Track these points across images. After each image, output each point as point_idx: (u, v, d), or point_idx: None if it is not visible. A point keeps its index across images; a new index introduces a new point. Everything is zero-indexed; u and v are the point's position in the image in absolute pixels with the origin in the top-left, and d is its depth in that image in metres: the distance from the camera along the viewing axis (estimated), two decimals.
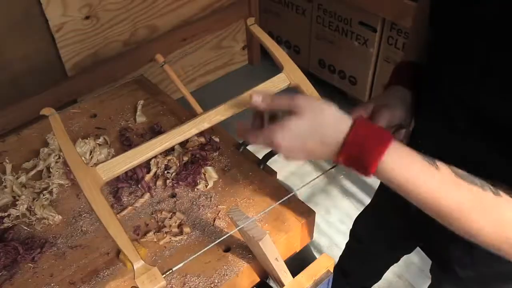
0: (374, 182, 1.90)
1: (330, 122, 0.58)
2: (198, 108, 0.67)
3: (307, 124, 0.58)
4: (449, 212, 0.55)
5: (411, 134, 0.83)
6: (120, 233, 0.60)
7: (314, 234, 0.96)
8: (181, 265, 0.61)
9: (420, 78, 0.79)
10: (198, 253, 0.66)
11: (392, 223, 1.07)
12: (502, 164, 0.59)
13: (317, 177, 0.78)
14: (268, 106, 0.63)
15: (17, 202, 0.92)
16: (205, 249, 0.66)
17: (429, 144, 0.71)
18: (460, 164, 0.57)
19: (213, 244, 0.68)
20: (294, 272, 0.83)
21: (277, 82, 0.73)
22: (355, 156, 0.57)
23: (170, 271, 0.61)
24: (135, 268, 0.59)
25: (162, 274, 0.59)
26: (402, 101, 0.78)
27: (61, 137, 0.69)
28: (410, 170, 0.56)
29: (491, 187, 0.54)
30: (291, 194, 0.75)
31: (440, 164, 0.56)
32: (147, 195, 0.95)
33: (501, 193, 0.54)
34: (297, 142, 0.59)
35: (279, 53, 0.78)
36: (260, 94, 0.63)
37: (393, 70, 0.84)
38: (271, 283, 0.93)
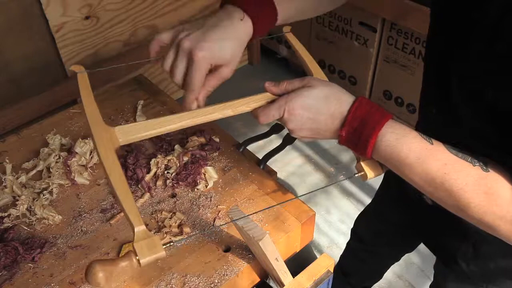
0: (374, 182, 1.90)
1: (338, 96, 0.63)
2: None
3: (320, 94, 0.63)
4: (439, 182, 0.57)
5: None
6: (127, 196, 0.58)
7: (314, 234, 0.97)
8: (185, 239, 0.59)
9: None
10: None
11: (394, 221, 1.07)
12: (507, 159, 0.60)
13: (329, 185, 0.78)
14: (282, 90, 0.67)
15: (17, 202, 0.92)
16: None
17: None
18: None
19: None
20: (294, 272, 0.83)
21: None
22: (356, 128, 0.61)
23: (171, 243, 0.59)
24: (135, 232, 0.56)
25: (163, 245, 0.56)
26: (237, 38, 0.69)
27: (86, 96, 0.67)
28: (406, 142, 0.59)
29: (481, 163, 0.57)
30: (294, 198, 0.75)
31: (434, 140, 0.59)
32: (147, 195, 0.95)
33: (490, 170, 0.56)
34: (310, 113, 0.63)
35: (312, 65, 0.78)
36: (272, 82, 0.68)
37: None
38: (271, 283, 0.93)
